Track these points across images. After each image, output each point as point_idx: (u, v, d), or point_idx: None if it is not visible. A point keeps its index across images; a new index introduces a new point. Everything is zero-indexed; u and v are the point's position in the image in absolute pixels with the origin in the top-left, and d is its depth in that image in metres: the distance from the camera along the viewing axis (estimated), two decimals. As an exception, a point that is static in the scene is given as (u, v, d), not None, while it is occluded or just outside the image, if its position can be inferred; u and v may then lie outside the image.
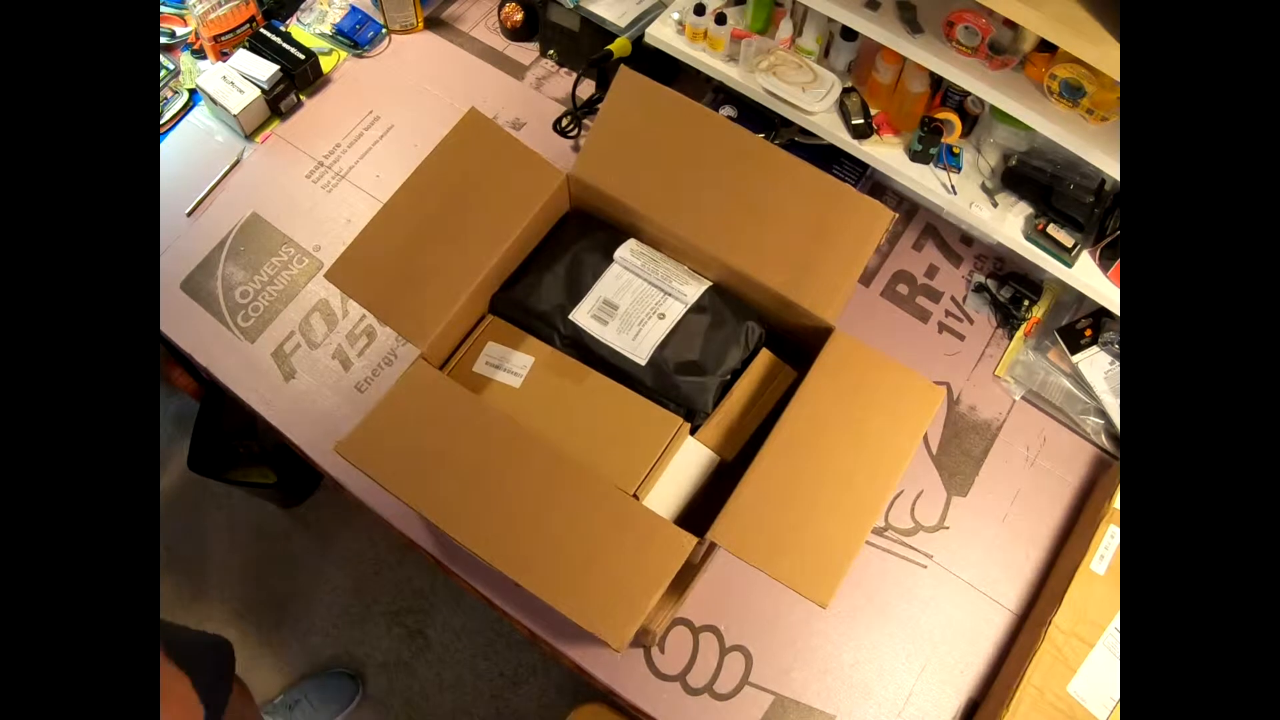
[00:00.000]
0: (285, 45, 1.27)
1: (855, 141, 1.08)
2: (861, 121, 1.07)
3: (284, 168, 1.25)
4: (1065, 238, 1.00)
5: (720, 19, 1.09)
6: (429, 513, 0.72)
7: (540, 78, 1.33)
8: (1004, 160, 1.06)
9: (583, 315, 0.84)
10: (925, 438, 1.08)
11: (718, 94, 1.24)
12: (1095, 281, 1.01)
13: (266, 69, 1.23)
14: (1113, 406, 1.07)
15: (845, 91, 1.08)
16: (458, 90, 1.31)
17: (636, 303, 0.84)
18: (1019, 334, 1.13)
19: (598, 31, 1.25)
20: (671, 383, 0.82)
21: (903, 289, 1.18)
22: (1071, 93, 0.86)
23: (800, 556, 0.70)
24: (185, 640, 0.87)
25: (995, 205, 1.05)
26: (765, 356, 0.85)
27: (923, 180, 1.07)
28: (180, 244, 1.19)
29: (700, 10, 1.09)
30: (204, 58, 1.32)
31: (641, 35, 1.18)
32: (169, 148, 1.27)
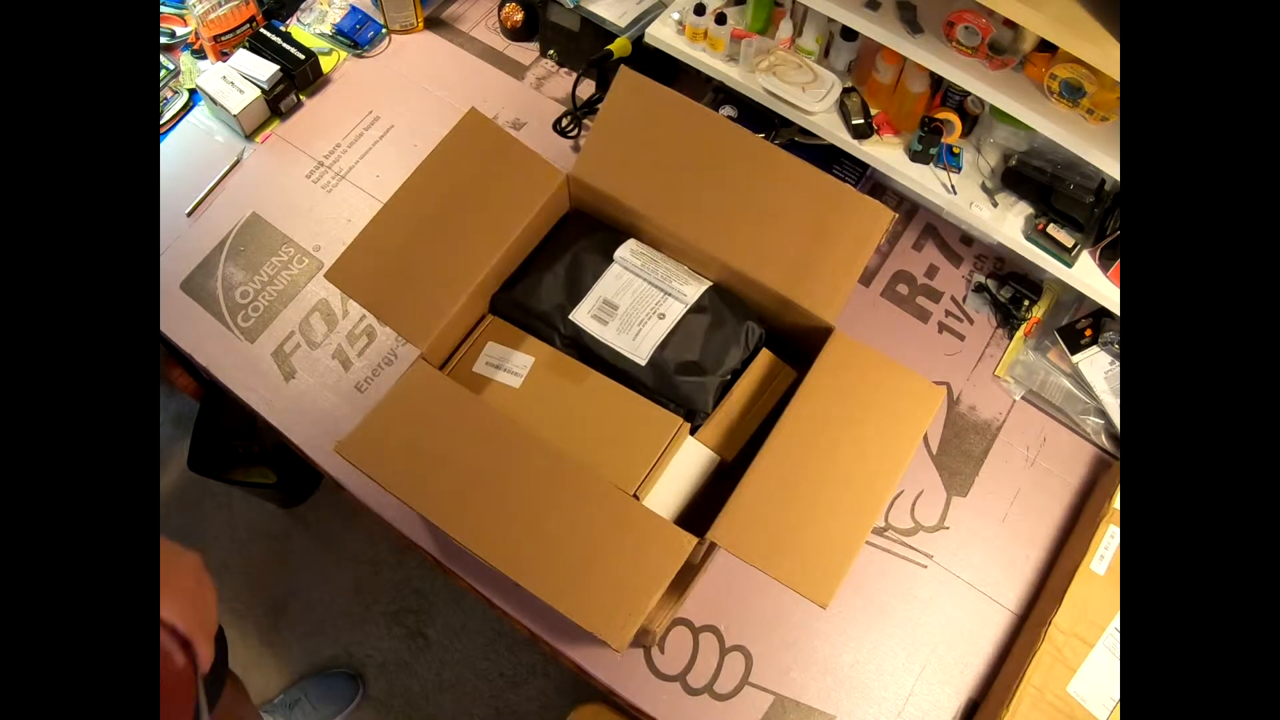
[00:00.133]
0: (285, 45, 1.27)
1: (855, 141, 1.08)
2: (861, 121, 1.07)
3: (284, 168, 1.25)
4: (1065, 238, 1.00)
5: (720, 19, 1.09)
6: (429, 513, 0.72)
7: (540, 78, 1.33)
8: (1004, 160, 1.06)
9: (583, 315, 0.84)
10: (925, 438, 1.08)
11: (718, 94, 1.24)
12: (1095, 281, 1.01)
13: (266, 69, 1.23)
14: (1113, 406, 1.07)
15: (845, 91, 1.08)
16: (458, 90, 1.31)
17: (636, 303, 0.84)
18: (1019, 334, 1.13)
19: (598, 31, 1.25)
20: (671, 383, 0.82)
21: (903, 289, 1.18)
22: (1071, 93, 0.86)
23: (800, 557, 0.70)
24: None
25: (995, 205, 1.05)
26: (765, 356, 0.85)
27: (923, 180, 1.07)
28: (180, 244, 1.19)
29: (700, 10, 1.09)
30: (204, 58, 1.32)
31: (641, 35, 1.18)
32: (169, 148, 1.27)
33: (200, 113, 1.29)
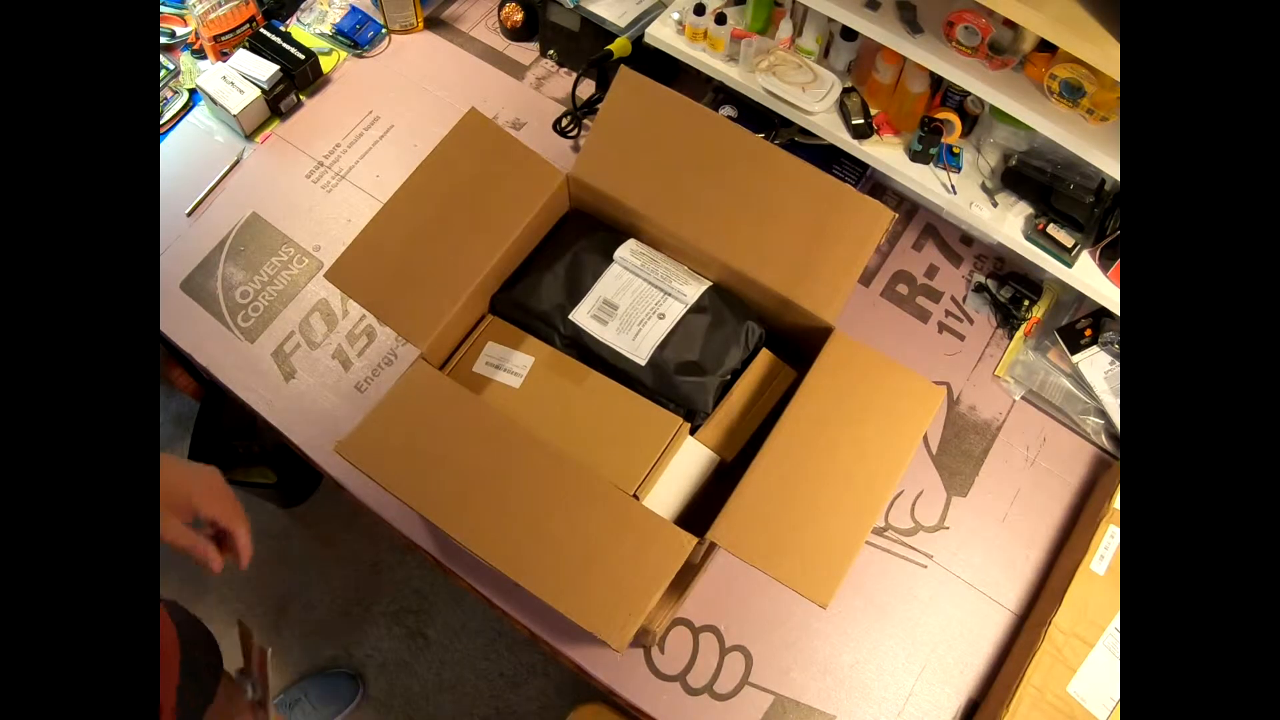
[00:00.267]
0: (285, 45, 1.27)
1: (855, 141, 1.08)
2: (861, 121, 1.07)
3: (284, 168, 1.25)
4: (1065, 238, 1.00)
5: (720, 19, 1.10)
6: (429, 513, 0.72)
7: (540, 78, 1.33)
8: (1004, 160, 1.06)
9: (583, 315, 0.84)
10: (925, 438, 1.08)
11: (718, 94, 1.24)
12: (1095, 281, 1.01)
13: (266, 69, 1.23)
14: (1113, 406, 1.07)
15: (845, 91, 1.08)
16: (458, 90, 1.31)
17: (636, 303, 0.84)
18: (1019, 334, 1.13)
19: (598, 31, 1.25)
20: (671, 383, 0.82)
21: (903, 289, 1.18)
22: (1071, 93, 0.86)
23: (800, 557, 0.70)
24: (177, 608, 0.87)
25: (995, 205, 1.05)
26: (765, 356, 0.85)
27: (923, 180, 1.07)
28: (180, 244, 1.19)
29: (700, 10, 1.09)
30: (204, 58, 1.32)
31: (641, 35, 1.18)
32: (169, 148, 1.27)
33: (200, 113, 1.30)
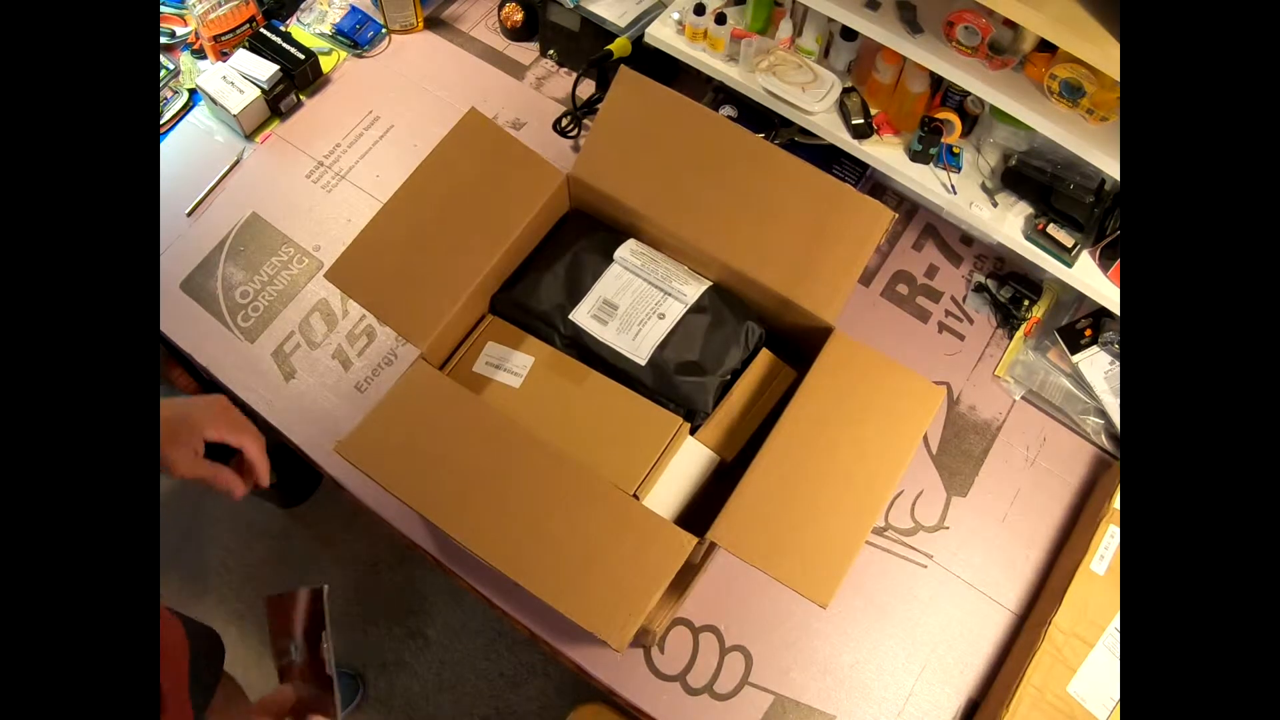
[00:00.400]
0: (285, 45, 1.27)
1: (855, 141, 1.08)
2: (861, 121, 1.07)
3: (284, 168, 1.25)
4: (1065, 238, 1.00)
5: (720, 19, 1.10)
6: (429, 513, 0.72)
7: (540, 78, 1.33)
8: (1004, 160, 1.06)
9: (583, 315, 0.84)
10: (925, 438, 1.08)
11: (718, 94, 1.24)
12: (1095, 281, 1.01)
13: (266, 69, 1.23)
14: (1113, 406, 1.07)
15: (845, 91, 1.08)
16: (458, 90, 1.31)
17: (636, 303, 0.84)
18: (1019, 334, 1.13)
19: (598, 31, 1.25)
20: (671, 383, 0.82)
21: (903, 289, 1.18)
22: (1071, 93, 0.86)
23: (800, 556, 0.70)
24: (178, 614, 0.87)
25: (995, 205, 1.05)
26: (765, 356, 0.85)
27: (923, 180, 1.07)
28: (180, 244, 1.19)
29: (700, 10, 1.09)
30: (204, 58, 1.32)
31: (641, 35, 1.18)
32: (169, 148, 1.27)
33: (200, 113, 1.30)
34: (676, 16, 1.15)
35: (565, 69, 1.34)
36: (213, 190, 1.23)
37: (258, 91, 1.23)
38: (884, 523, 1.03)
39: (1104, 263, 1.01)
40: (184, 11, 1.34)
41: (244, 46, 1.26)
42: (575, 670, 0.99)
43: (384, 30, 1.36)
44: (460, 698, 1.55)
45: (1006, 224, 1.04)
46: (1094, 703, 0.88)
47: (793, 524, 0.71)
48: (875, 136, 1.08)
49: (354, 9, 1.36)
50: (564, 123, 1.26)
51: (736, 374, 0.84)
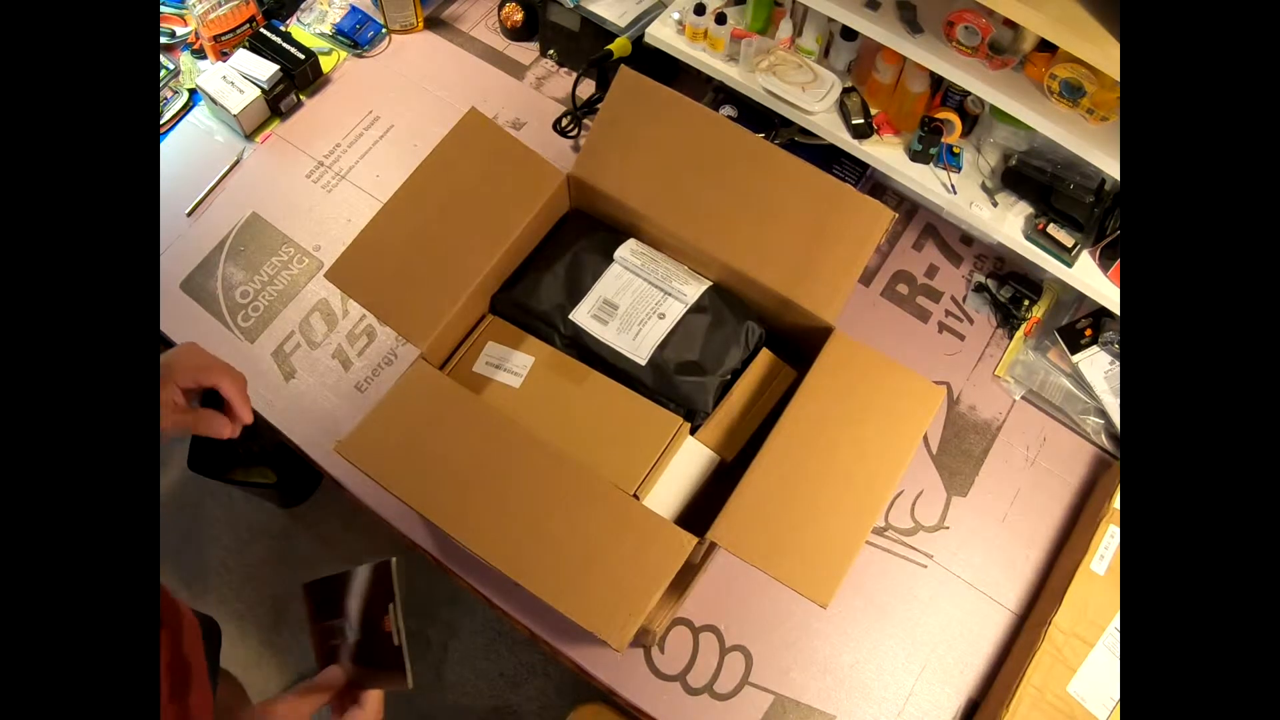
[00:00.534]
0: (285, 45, 1.27)
1: (855, 141, 1.08)
2: (861, 121, 1.07)
3: (284, 168, 1.25)
4: (1065, 237, 1.00)
5: (720, 19, 1.10)
6: (429, 513, 0.72)
7: (540, 78, 1.33)
8: (1004, 160, 1.06)
9: (583, 315, 0.84)
10: (925, 438, 1.08)
11: (718, 94, 1.24)
12: (1095, 281, 1.01)
13: (266, 69, 1.23)
14: (1113, 406, 1.07)
15: (845, 91, 1.08)
16: (458, 90, 1.31)
17: (636, 303, 0.84)
18: (1019, 334, 1.13)
19: (598, 31, 1.25)
20: (671, 383, 0.82)
21: (903, 289, 1.18)
22: (1071, 93, 0.86)
23: (800, 556, 0.70)
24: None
25: (995, 205, 1.05)
26: (765, 356, 0.85)
27: (923, 180, 1.07)
28: (180, 244, 1.19)
29: (700, 10, 1.09)
30: (204, 58, 1.32)
31: (641, 35, 1.18)
32: (169, 148, 1.27)
33: (200, 113, 1.30)
34: (676, 16, 1.15)
35: (565, 69, 1.34)
36: (213, 190, 1.23)
37: (258, 91, 1.23)
38: (884, 523, 1.03)
39: (1104, 263, 1.01)
40: (184, 11, 1.34)
41: (244, 46, 1.26)
42: (575, 670, 0.99)
43: (384, 30, 1.36)
44: (460, 698, 1.55)
45: (1006, 224, 1.04)
46: (1094, 703, 0.88)
47: (793, 524, 0.71)
48: (875, 136, 1.08)
49: (354, 9, 1.36)
50: (564, 123, 1.26)
51: (736, 374, 0.84)
